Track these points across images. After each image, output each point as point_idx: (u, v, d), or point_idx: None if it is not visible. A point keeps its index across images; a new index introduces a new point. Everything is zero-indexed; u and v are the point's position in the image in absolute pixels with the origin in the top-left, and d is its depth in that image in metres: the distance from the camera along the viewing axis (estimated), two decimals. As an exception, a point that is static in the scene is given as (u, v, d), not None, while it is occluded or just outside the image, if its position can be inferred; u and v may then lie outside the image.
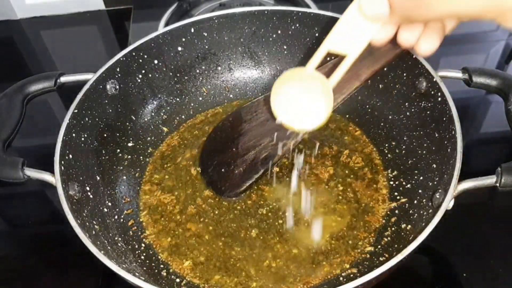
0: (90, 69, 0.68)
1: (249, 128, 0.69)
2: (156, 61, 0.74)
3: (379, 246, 0.62)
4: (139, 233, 0.65)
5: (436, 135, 0.63)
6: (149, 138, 0.75)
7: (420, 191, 0.63)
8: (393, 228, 0.63)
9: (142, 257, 0.62)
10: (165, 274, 0.61)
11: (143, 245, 0.64)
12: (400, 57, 0.63)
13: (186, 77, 0.78)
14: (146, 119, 0.75)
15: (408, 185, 0.66)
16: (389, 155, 0.71)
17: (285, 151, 0.66)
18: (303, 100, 0.53)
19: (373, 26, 0.46)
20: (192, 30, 0.75)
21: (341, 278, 0.60)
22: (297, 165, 0.69)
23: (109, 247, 0.58)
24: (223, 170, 0.69)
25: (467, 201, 0.64)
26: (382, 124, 0.73)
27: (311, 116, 0.54)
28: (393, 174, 0.69)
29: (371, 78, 0.63)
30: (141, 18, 0.99)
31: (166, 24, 0.93)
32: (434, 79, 0.63)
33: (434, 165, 0.62)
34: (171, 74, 0.77)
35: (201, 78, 0.79)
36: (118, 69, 0.70)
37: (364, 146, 0.73)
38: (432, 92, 0.64)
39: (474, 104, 0.84)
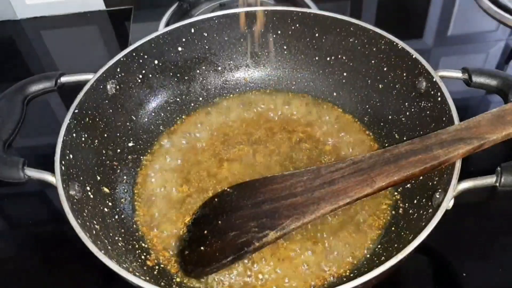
0: (91, 69, 0.68)
1: (243, 204, 0.62)
2: (156, 61, 0.74)
3: (379, 246, 0.62)
4: (139, 233, 0.65)
5: (436, 135, 0.63)
6: (149, 138, 0.75)
7: (419, 191, 0.63)
8: (392, 228, 0.63)
9: (142, 257, 0.62)
10: (165, 274, 0.61)
11: (143, 244, 0.64)
12: (430, 171, 0.56)
13: (186, 77, 0.78)
14: (146, 119, 0.75)
15: (408, 185, 0.66)
16: (389, 155, 0.71)
17: (263, 244, 0.58)
18: None
19: None
20: (192, 31, 0.75)
21: (341, 278, 0.60)
22: None
23: (109, 247, 0.58)
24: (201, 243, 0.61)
25: (467, 201, 0.64)
26: (382, 124, 0.73)
27: None
28: (393, 174, 0.69)
29: (385, 189, 0.57)
30: (141, 19, 1.00)
31: (167, 25, 0.93)
32: (434, 79, 0.63)
33: (434, 165, 0.62)
34: (171, 74, 0.77)
35: (201, 78, 0.79)
36: (118, 69, 0.70)
37: (364, 146, 0.73)
38: (432, 92, 0.64)
39: (474, 104, 0.84)
